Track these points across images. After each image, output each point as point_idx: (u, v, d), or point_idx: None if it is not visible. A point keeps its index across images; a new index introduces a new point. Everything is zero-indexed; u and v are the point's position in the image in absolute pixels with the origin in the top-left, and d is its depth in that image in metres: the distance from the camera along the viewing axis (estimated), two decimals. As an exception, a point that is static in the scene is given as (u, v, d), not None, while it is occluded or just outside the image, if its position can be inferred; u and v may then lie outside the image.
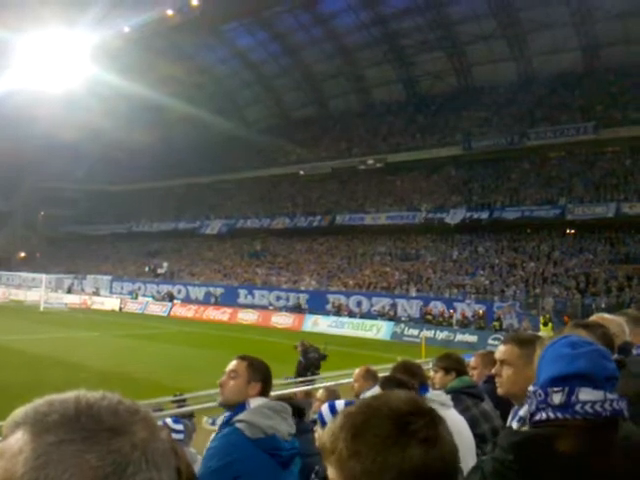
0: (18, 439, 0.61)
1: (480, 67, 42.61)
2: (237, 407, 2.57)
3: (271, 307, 33.63)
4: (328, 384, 10.05)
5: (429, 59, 43.11)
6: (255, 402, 2.57)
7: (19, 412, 0.64)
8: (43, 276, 38.04)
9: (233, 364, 2.71)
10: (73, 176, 60.71)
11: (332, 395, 4.46)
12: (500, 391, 2.28)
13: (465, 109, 41.70)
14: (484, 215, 33.97)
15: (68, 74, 44.44)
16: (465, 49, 42.00)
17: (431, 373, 4.41)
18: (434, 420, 0.90)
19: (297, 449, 2.56)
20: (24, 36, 39.64)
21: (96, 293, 40.89)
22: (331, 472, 0.91)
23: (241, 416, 2.48)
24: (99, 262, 47.92)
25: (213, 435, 3.26)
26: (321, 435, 1.00)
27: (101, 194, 60.24)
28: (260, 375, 2.67)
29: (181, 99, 46.87)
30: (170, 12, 40.34)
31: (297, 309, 32.29)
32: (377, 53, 44.23)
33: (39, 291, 37.07)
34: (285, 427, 2.51)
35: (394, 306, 29.80)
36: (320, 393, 4.44)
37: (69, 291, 41.63)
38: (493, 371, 2.35)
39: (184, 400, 9.27)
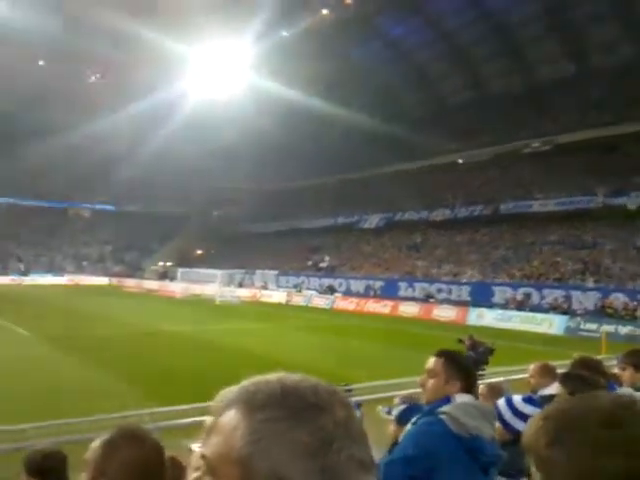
0: (232, 417, 0.67)
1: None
2: (442, 400, 2.39)
3: (432, 300, 33.01)
4: (498, 379, 9.55)
5: (600, 30, 39.20)
6: (461, 398, 2.37)
7: (230, 392, 0.71)
8: (218, 272, 41.19)
9: (430, 362, 2.54)
10: (238, 178, 65.22)
11: (495, 391, 4.27)
12: None
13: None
14: (672, 196, 30.09)
15: (231, 81, 47.82)
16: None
17: (615, 370, 4.11)
18: None
19: (499, 455, 2.33)
20: (195, 49, 43.27)
21: (264, 287, 43.39)
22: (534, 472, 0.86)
23: (445, 408, 2.29)
24: (265, 258, 50.75)
25: (392, 425, 3.17)
26: (524, 433, 0.89)
27: (264, 193, 63.85)
28: (460, 372, 2.46)
29: (334, 98, 47.95)
30: (325, 11, 41.52)
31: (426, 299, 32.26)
32: (539, 28, 41.35)
33: (214, 285, 40.26)
34: (489, 430, 2.28)
35: (568, 298, 27.57)
36: (481, 389, 4.19)
37: (240, 285, 44.65)
38: None
39: (350, 391, 9.40)
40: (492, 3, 42.04)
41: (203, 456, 0.68)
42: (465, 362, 2.56)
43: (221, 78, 48.05)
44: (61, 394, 10.95)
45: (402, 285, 36.23)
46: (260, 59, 45.48)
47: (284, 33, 43.59)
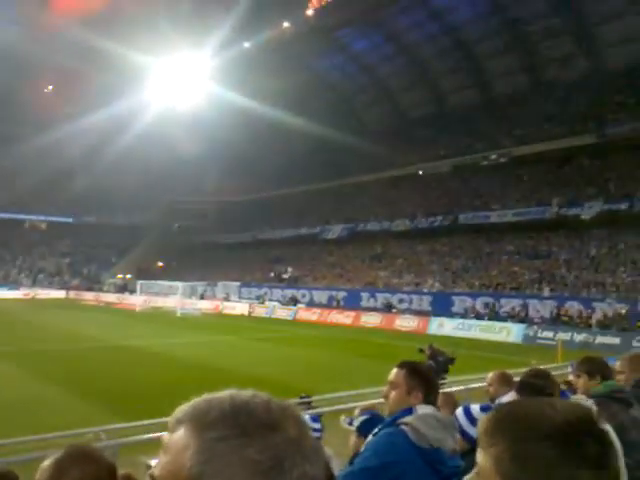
0: (182, 435, 0.67)
1: (612, 49, 39.25)
2: (403, 411, 2.37)
3: (394, 310, 33.29)
4: (457, 389, 9.66)
5: (554, 44, 40.55)
6: (423, 409, 2.36)
7: (180, 410, 0.69)
8: (179, 284, 40.62)
9: (392, 374, 2.52)
10: (200, 189, 64.69)
11: (449, 399, 4.32)
12: None
13: (597, 94, 38.61)
14: (623, 207, 31.17)
15: (193, 93, 47.60)
16: (594, 31, 38.96)
17: (570, 377, 4.20)
18: (606, 440, 0.82)
19: (459, 467, 2.35)
20: (156, 59, 42.93)
21: (227, 299, 43.00)
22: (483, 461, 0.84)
23: (407, 419, 2.27)
24: (228, 269, 50.36)
25: (353, 436, 3.15)
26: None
27: (226, 205, 63.46)
28: (421, 383, 2.45)
29: (297, 109, 48.14)
30: (286, 24, 41.74)
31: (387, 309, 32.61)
32: (497, 43, 42.52)
33: (175, 298, 39.67)
34: (450, 442, 2.28)
35: (525, 307, 28.23)
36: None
37: (202, 297, 44.14)
38: None
39: (310, 402, 9.37)
40: (451, 19, 43.03)
41: (152, 476, 0.68)
42: (427, 373, 2.55)
43: (183, 89, 47.77)
44: (11, 411, 10.57)
45: (364, 295, 36.45)
46: (223, 71, 45.40)
47: (246, 45, 43.63)
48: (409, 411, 2.35)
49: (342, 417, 3.32)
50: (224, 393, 0.69)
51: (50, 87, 51.39)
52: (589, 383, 3.57)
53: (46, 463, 1.45)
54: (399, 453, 2.17)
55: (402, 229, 42.63)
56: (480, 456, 0.85)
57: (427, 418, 2.30)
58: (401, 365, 2.53)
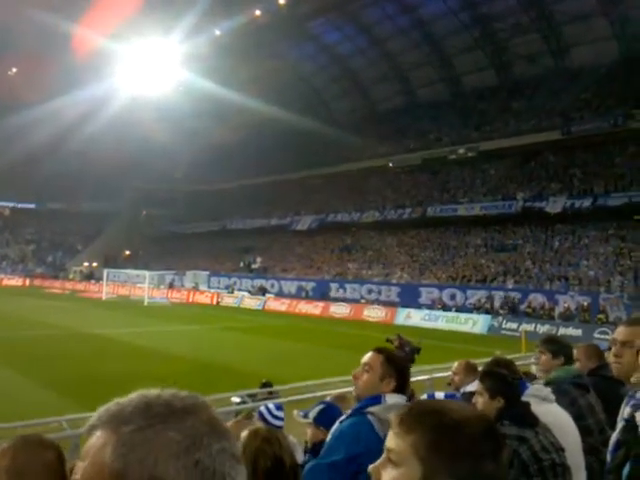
0: (99, 436, 0.68)
1: (578, 47, 39.99)
2: (372, 398, 2.38)
3: (363, 300, 33.56)
4: (422, 378, 9.80)
5: (523, 42, 41.12)
6: (392, 399, 2.36)
7: (92, 418, 0.70)
8: (146, 273, 40.11)
9: (368, 357, 2.50)
10: (170, 177, 63.81)
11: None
12: None
13: (563, 92, 39.37)
14: (587, 203, 31.92)
15: (162, 79, 46.77)
16: (562, 29, 39.65)
17: (533, 367, 4.30)
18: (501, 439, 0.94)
19: None
20: (126, 45, 42.06)
21: (195, 288, 42.67)
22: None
23: (374, 409, 2.28)
24: (197, 259, 49.95)
25: (311, 428, 3.14)
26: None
27: (196, 193, 62.81)
28: (396, 371, 2.45)
29: (268, 99, 47.77)
30: (258, 12, 41.24)
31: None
32: (467, 39, 42.89)
33: (143, 287, 39.19)
34: None
35: (490, 299, 28.77)
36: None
37: (171, 286, 43.71)
38: None
39: (276, 392, 9.38)
40: (421, 12, 43.18)
41: None
42: (402, 363, 2.56)
43: (152, 75, 46.83)
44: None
45: (333, 286, 36.61)
46: (193, 57, 44.69)
47: (217, 32, 42.97)
48: (378, 399, 2.35)
49: (295, 411, 3.30)
50: (132, 394, 0.71)
51: (14, 70, 49.84)
52: (552, 362, 3.66)
53: None
54: (364, 444, 2.16)
55: (371, 220, 42.86)
56: (395, 442, 0.94)
57: (396, 408, 2.32)
58: (379, 350, 2.53)
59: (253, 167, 56.08)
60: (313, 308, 33.60)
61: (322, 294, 35.78)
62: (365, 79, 52.80)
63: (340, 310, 32.29)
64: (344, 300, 34.04)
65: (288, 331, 24.69)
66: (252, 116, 51.16)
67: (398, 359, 2.56)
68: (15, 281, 51.39)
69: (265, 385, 9.64)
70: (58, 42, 42.05)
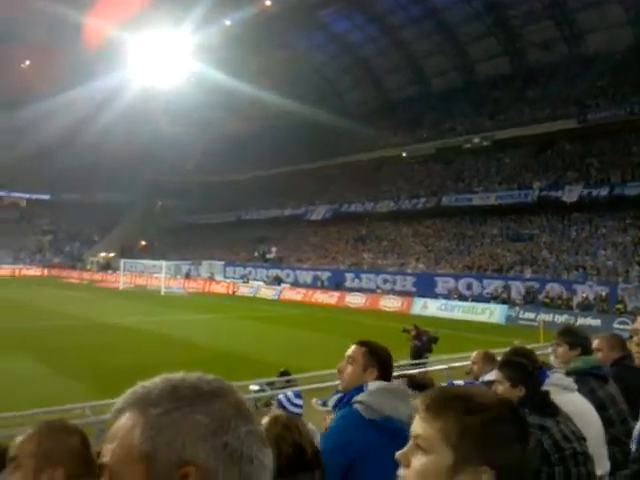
0: (127, 418, 0.69)
1: (592, 34, 39.34)
2: (356, 389, 2.47)
3: (379, 290, 33.56)
4: (440, 367, 9.84)
5: (536, 29, 40.55)
6: (373, 385, 2.45)
7: (119, 401, 0.71)
8: (163, 263, 40.45)
9: (351, 350, 2.60)
10: (182, 168, 64.05)
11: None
12: None
13: (578, 79, 38.79)
14: (604, 192, 31.52)
15: (174, 70, 46.79)
16: (575, 16, 39.03)
17: (551, 358, 4.30)
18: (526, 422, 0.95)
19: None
20: (137, 37, 42.15)
21: (211, 278, 42.96)
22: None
23: (359, 397, 2.38)
24: (212, 249, 50.20)
25: (331, 416, 3.21)
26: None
27: (209, 184, 63.02)
28: (378, 362, 2.54)
29: (281, 89, 47.65)
30: (268, 2, 41.08)
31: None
32: (480, 27, 42.44)
33: (160, 276, 39.53)
34: (404, 409, 2.36)
35: (507, 288, 28.61)
36: None
37: (187, 276, 44.04)
38: None
39: (294, 380, 9.48)
40: (434, 1, 42.72)
41: (103, 465, 0.68)
42: (385, 354, 2.60)
43: (164, 67, 46.87)
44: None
45: (349, 276, 36.63)
46: (204, 48, 44.65)
47: (227, 22, 42.86)
48: (360, 389, 2.45)
49: (314, 399, 3.35)
50: (157, 378, 0.72)
51: (27, 62, 50.17)
52: (569, 353, 3.64)
53: (20, 438, 1.48)
54: (354, 432, 2.29)
55: (386, 210, 42.74)
56: (422, 428, 0.94)
57: (377, 391, 2.41)
58: (361, 343, 2.60)
59: (267, 158, 56.08)
60: (329, 298, 33.67)
61: (337, 284, 35.84)
62: (377, 69, 52.46)
63: (356, 300, 32.33)
64: (360, 290, 34.08)
65: (304, 321, 24.79)
66: (265, 108, 51.12)
67: (380, 350, 2.61)
68: (34, 271, 52.16)
69: (283, 374, 9.75)
70: (69, 34, 42.30)
